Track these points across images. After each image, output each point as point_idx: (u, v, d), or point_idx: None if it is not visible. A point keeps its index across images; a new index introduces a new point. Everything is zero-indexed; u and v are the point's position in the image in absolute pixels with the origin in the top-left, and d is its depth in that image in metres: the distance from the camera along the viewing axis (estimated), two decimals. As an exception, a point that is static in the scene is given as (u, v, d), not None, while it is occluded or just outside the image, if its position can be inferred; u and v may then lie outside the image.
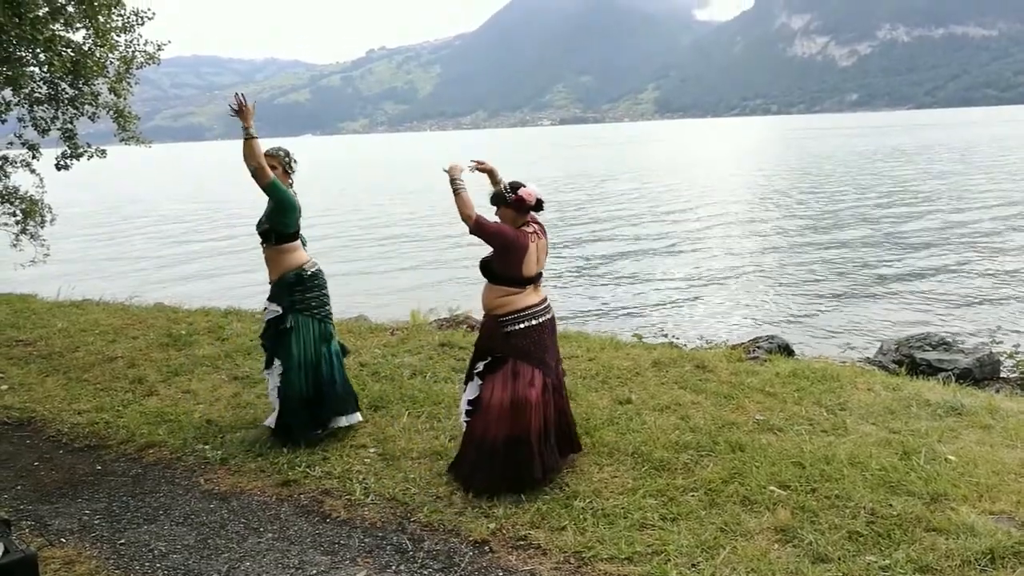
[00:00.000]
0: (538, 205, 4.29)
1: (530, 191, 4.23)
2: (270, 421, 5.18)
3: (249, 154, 4.69)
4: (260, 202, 5.01)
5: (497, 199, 4.30)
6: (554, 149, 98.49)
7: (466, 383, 4.50)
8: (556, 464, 4.36)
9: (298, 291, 5.01)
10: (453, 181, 4.26)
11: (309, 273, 5.05)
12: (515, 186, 4.26)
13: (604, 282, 17.11)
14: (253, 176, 4.74)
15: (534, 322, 4.29)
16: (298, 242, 5.07)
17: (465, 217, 4.17)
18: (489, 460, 4.20)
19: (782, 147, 77.54)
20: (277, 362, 5.03)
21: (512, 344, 4.25)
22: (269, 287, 5.15)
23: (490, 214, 4.33)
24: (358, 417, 5.27)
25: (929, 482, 4.10)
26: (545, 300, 4.42)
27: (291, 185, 5.03)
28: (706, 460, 4.51)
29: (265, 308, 5.19)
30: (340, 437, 5.09)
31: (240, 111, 4.65)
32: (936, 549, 3.47)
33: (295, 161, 5.14)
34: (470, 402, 4.38)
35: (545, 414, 4.30)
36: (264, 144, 4.90)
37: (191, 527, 4.07)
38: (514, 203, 4.23)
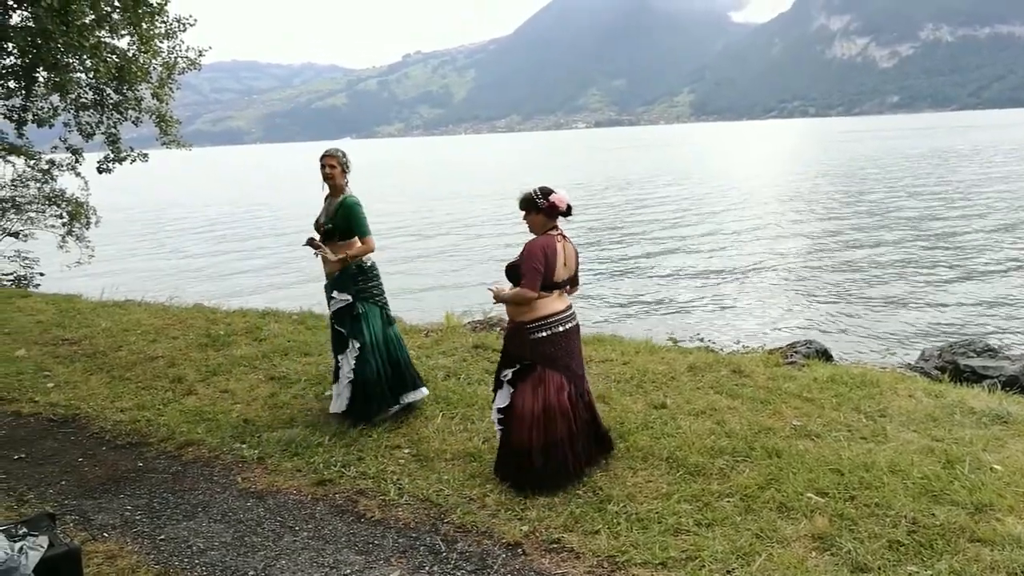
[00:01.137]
0: (568, 211, 4.31)
1: (561, 196, 4.27)
2: (337, 407, 5.46)
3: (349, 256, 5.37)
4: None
5: (528, 204, 4.33)
6: (589, 152, 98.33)
7: (495, 390, 4.55)
8: (588, 467, 4.42)
9: (360, 280, 5.45)
10: (498, 297, 4.40)
11: (368, 264, 5.51)
12: (546, 192, 4.28)
13: (640, 285, 17.02)
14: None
15: (560, 329, 4.34)
16: (356, 238, 5.39)
17: (522, 297, 4.25)
18: (525, 466, 4.27)
19: (821, 150, 76.39)
20: (355, 344, 5.39)
21: (539, 351, 4.30)
22: (327, 280, 5.52)
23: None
24: (424, 391, 5.70)
25: (973, 491, 3.99)
26: (570, 307, 4.46)
27: (347, 182, 5.46)
28: (742, 466, 4.45)
29: (332, 298, 5.49)
30: (375, 437, 5.13)
31: (317, 248, 5.35)
32: (980, 560, 3.38)
33: (350, 161, 5.52)
34: (500, 410, 4.44)
35: (575, 419, 4.35)
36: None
37: (228, 524, 4.13)
38: (546, 208, 4.27)
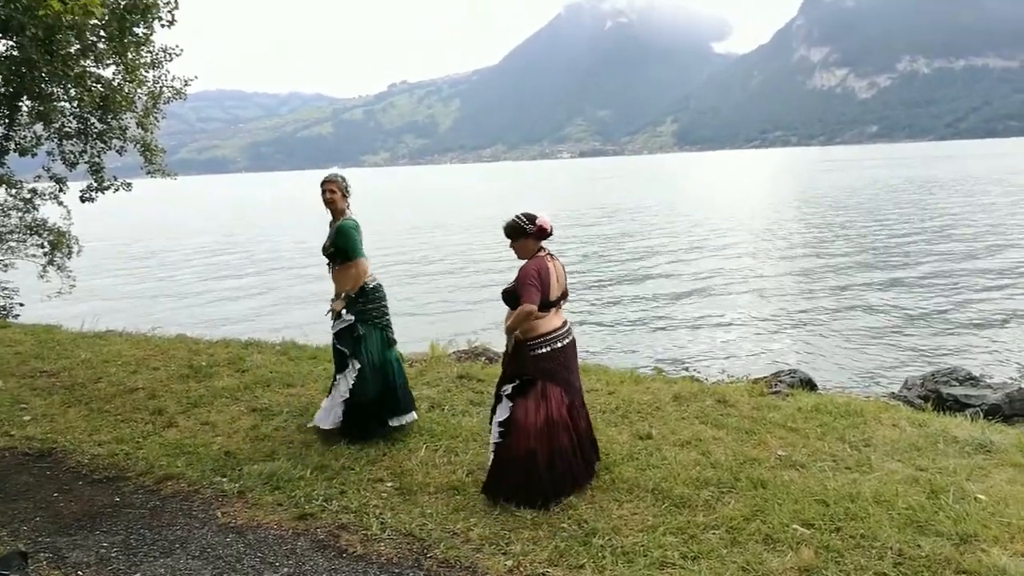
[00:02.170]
0: (551, 232, 4.53)
1: (545, 219, 4.47)
2: (327, 423, 5.61)
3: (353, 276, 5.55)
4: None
5: (517, 231, 4.50)
6: (575, 183, 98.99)
7: (494, 406, 4.66)
8: (589, 476, 4.65)
9: (360, 302, 5.56)
10: (509, 334, 4.49)
11: (371, 287, 5.61)
12: (531, 217, 4.48)
13: (624, 314, 17.05)
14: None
15: (559, 345, 4.51)
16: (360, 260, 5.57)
17: (527, 313, 4.33)
18: (528, 477, 4.37)
19: (803, 180, 77.35)
20: (355, 364, 5.53)
21: (540, 366, 4.45)
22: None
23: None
24: (414, 416, 5.80)
25: (958, 522, 3.99)
26: (566, 323, 4.64)
27: (348, 206, 5.63)
28: (727, 497, 4.43)
29: (337, 317, 5.63)
30: (358, 470, 5.07)
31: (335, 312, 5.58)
32: (967, 592, 3.36)
33: (350, 186, 5.73)
34: (501, 423, 4.54)
35: (576, 431, 4.56)
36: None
37: (207, 561, 4.04)
38: (535, 233, 4.46)
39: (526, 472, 4.38)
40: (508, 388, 4.53)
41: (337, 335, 5.64)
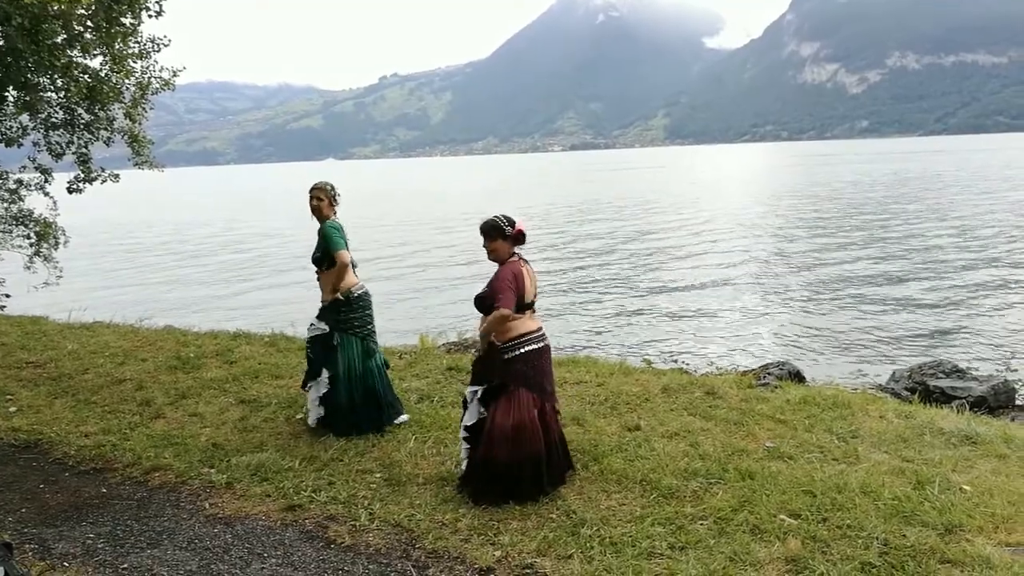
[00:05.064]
0: (524, 238, 4.52)
1: (522, 224, 4.48)
2: (312, 419, 5.67)
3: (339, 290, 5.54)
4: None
5: (496, 231, 4.44)
6: (566, 176, 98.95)
7: (464, 408, 4.62)
8: (558, 483, 4.51)
9: (344, 311, 5.54)
10: (483, 339, 4.48)
11: (355, 295, 5.58)
12: (511, 220, 4.45)
13: (613, 307, 17.08)
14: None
15: (533, 347, 4.44)
16: (348, 268, 5.52)
17: (502, 317, 4.30)
18: (494, 482, 4.32)
19: (793, 173, 77.60)
20: (325, 372, 5.53)
21: (512, 370, 4.37)
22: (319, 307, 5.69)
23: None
24: (405, 417, 5.81)
25: (943, 512, 4.02)
26: (541, 328, 4.56)
27: (336, 213, 5.62)
28: (715, 488, 4.45)
29: (311, 325, 5.67)
30: (346, 462, 5.07)
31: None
32: (951, 581, 3.39)
33: (339, 194, 5.71)
34: (468, 428, 4.51)
35: (547, 437, 4.43)
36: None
37: (194, 552, 4.03)
38: (513, 236, 4.44)
39: (487, 479, 4.34)
40: (478, 391, 4.49)
41: (309, 341, 5.68)
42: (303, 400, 6.00)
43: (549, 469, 4.42)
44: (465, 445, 4.56)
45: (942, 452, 4.98)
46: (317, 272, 5.64)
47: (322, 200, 5.53)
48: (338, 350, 5.52)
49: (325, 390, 5.53)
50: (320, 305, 5.65)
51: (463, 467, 4.61)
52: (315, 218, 5.62)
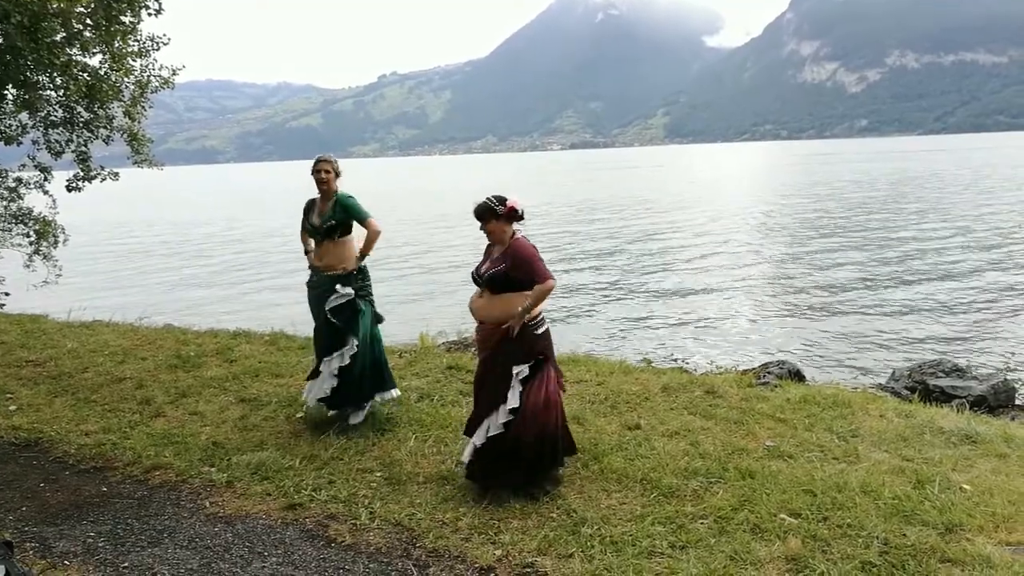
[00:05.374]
0: (522, 215, 4.46)
1: (515, 200, 4.40)
2: (314, 396, 5.71)
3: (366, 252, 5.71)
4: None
5: (488, 213, 4.39)
6: (565, 175, 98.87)
7: (505, 392, 4.40)
8: (568, 455, 4.71)
9: (359, 279, 5.72)
10: (520, 316, 4.34)
11: (364, 264, 5.78)
12: (501, 199, 4.41)
13: (613, 306, 17.07)
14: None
15: (548, 323, 4.56)
16: (350, 236, 5.69)
17: (550, 289, 4.31)
18: (518, 459, 4.35)
19: (793, 172, 77.55)
20: (353, 340, 5.61)
21: (542, 345, 4.44)
22: (318, 276, 5.74)
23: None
24: (396, 392, 5.93)
25: (944, 512, 4.02)
26: None
27: (339, 187, 5.71)
28: (716, 487, 4.45)
29: (335, 295, 5.65)
30: (347, 460, 5.06)
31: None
32: (951, 581, 3.39)
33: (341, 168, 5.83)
34: (512, 411, 4.38)
35: (562, 408, 4.59)
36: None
37: (195, 551, 4.03)
38: (506, 214, 4.38)
39: (515, 456, 4.35)
40: (525, 369, 4.36)
41: (333, 311, 5.66)
42: (303, 399, 5.99)
43: (564, 441, 4.56)
44: (500, 426, 4.38)
45: (942, 451, 4.99)
46: (321, 241, 5.65)
47: (330, 173, 5.62)
48: (360, 316, 5.67)
49: (349, 360, 5.59)
50: (326, 275, 5.65)
51: (465, 459, 4.60)
52: (320, 191, 5.65)
